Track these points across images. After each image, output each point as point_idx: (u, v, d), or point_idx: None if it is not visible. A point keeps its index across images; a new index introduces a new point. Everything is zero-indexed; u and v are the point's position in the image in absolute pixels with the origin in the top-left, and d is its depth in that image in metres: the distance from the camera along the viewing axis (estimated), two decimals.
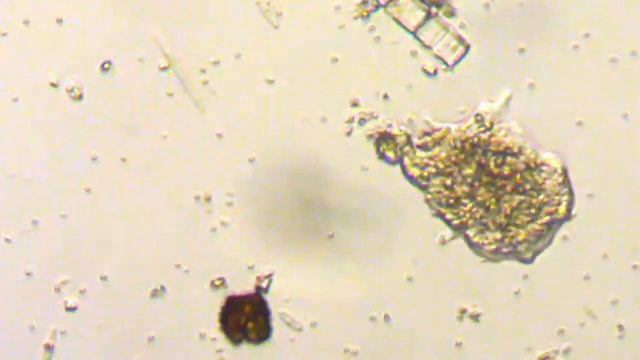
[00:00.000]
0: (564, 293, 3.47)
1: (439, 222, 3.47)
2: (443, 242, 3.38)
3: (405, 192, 3.48)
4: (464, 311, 3.49)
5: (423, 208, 3.47)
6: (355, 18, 3.50)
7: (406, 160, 3.42)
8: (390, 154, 3.42)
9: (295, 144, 3.50)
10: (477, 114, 3.41)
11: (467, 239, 3.44)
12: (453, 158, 3.36)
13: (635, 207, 3.45)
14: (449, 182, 3.37)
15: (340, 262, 3.49)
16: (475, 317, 3.48)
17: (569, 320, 3.47)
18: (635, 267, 3.46)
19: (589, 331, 3.47)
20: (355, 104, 3.46)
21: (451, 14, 3.48)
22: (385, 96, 3.48)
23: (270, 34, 3.51)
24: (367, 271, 3.49)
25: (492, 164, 3.35)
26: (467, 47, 3.48)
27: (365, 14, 3.49)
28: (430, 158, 3.36)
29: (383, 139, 3.40)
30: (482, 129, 3.37)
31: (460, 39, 3.48)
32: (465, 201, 3.38)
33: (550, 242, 3.43)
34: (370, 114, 3.41)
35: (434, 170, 3.38)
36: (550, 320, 3.47)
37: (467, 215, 3.39)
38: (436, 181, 3.38)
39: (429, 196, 3.37)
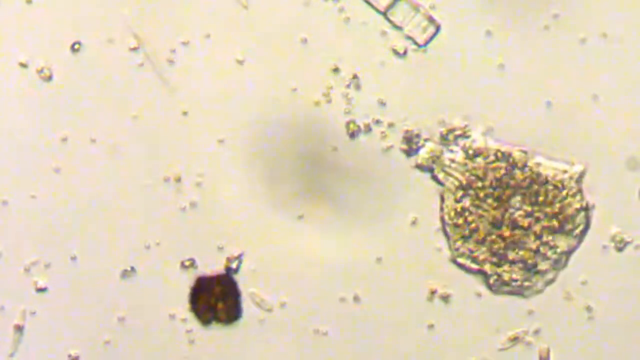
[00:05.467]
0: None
1: (408, 202, 3.47)
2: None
3: (376, 173, 3.48)
4: (434, 292, 3.49)
5: (393, 188, 3.47)
6: None
7: (436, 169, 3.44)
8: (426, 165, 3.44)
9: (264, 125, 3.49)
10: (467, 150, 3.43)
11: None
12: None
13: (603, 188, 3.45)
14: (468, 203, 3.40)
15: (309, 243, 3.49)
16: (445, 298, 3.48)
17: (538, 301, 3.47)
18: (604, 247, 3.46)
19: (559, 312, 3.48)
20: (336, 69, 3.46)
21: None
22: (355, 77, 3.47)
23: (240, 14, 3.50)
24: (336, 251, 3.48)
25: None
26: (438, 27, 3.47)
27: None
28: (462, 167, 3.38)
29: (409, 144, 3.41)
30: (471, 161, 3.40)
31: (431, 19, 3.47)
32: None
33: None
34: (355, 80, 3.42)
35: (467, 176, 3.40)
36: (520, 301, 3.47)
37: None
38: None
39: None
